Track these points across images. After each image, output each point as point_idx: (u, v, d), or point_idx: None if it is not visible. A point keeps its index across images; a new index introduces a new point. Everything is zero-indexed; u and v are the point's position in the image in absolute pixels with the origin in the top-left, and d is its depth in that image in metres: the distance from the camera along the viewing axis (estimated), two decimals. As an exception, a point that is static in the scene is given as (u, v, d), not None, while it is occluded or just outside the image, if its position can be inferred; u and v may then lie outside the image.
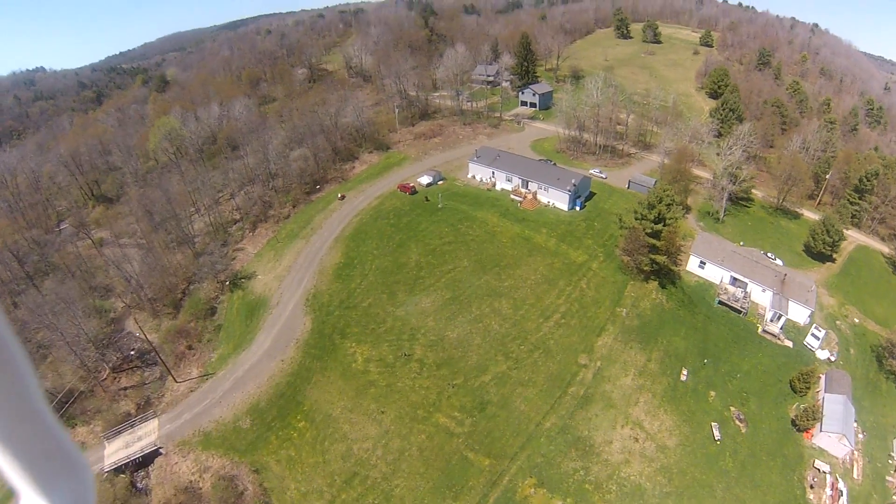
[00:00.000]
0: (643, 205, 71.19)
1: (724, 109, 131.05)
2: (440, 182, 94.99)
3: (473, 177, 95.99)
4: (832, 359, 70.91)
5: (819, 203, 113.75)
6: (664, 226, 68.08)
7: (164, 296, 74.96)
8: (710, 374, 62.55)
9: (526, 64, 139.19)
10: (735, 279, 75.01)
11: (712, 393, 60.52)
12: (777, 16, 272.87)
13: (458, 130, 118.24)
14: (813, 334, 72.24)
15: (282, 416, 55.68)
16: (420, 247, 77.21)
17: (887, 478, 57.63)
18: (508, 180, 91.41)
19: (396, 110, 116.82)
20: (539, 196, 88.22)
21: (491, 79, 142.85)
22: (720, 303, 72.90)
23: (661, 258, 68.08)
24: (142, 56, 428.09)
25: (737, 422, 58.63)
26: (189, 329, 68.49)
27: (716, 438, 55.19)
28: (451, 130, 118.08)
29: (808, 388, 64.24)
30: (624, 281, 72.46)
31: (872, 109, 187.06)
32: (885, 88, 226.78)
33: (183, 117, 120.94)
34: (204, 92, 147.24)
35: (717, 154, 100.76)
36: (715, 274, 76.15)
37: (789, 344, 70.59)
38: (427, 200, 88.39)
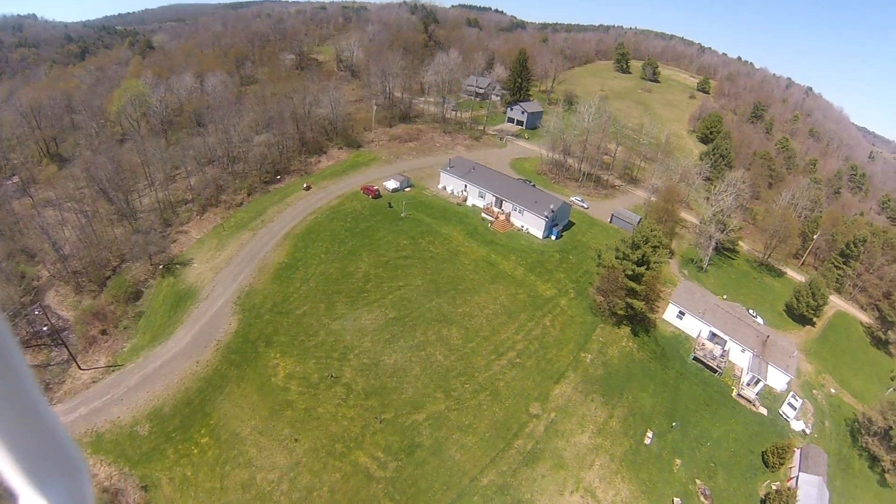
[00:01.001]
0: (626, 243, 65.01)
1: (714, 154, 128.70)
2: (407, 189, 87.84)
3: (444, 188, 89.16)
4: (807, 431, 66.24)
5: (803, 263, 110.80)
6: (647, 269, 61.86)
7: (91, 271, 69.10)
8: (677, 439, 55.75)
9: (520, 80, 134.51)
10: (714, 335, 69.11)
11: (678, 461, 53.69)
12: (774, 74, 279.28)
13: (437, 138, 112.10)
14: (789, 403, 67.17)
15: (185, 427, 48.31)
16: (372, 257, 69.45)
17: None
18: (481, 196, 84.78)
19: (375, 107, 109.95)
20: (512, 218, 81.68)
21: (481, 91, 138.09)
22: (695, 359, 66.72)
23: (638, 303, 61.72)
24: (139, 21, 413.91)
25: (702, 498, 51.94)
26: (107, 312, 62.32)
27: (678, 517, 48.27)
28: (430, 137, 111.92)
29: (782, 464, 58.20)
30: (593, 323, 65.79)
31: (856, 175, 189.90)
32: (870, 157, 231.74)
33: (154, 83, 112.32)
34: (186, 63, 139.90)
35: (707, 199, 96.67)
36: (693, 326, 70.18)
37: (764, 411, 64.89)
38: (390, 207, 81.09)
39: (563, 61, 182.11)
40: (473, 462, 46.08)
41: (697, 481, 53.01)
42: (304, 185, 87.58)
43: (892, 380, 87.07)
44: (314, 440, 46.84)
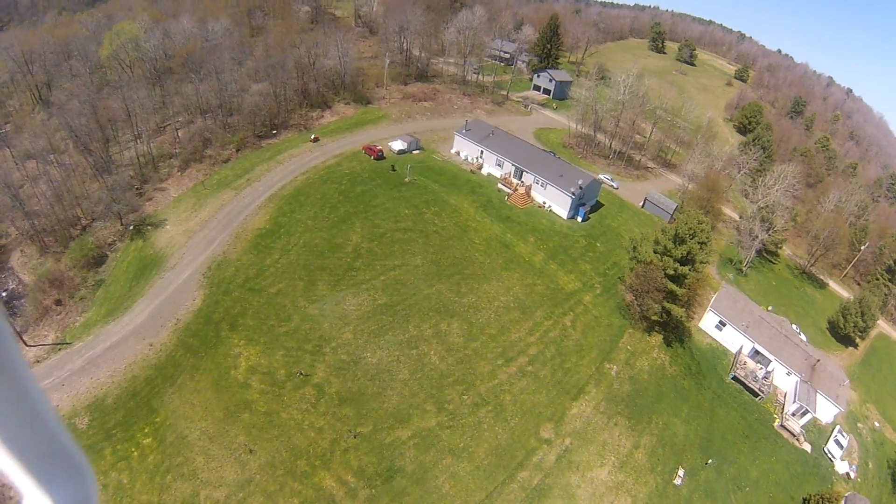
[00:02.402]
0: (667, 235, 54.17)
1: (755, 146, 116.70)
2: (416, 151, 76.73)
3: (458, 153, 77.91)
4: (852, 475, 56.99)
5: (844, 276, 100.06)
6: (691, 270, 51.17)
7: (58, 230, 61.46)
8: (711, 479, 46.20)
9: (549, 46, 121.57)
10: (757, 352, 58.96)
11: (710, 507, 44.19)
12: (815, 71, 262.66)
13: (455, 99, 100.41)
14: (836, 440, 57.73)
15: (127, 424, 39.87)
16: (366, 227, 58.94)
17: None
18: (499, 165, 73.57)
19: (387, 60, 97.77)
20: (533, 192, 70.71)
21: (507, 55, 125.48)
22: (734, 378, 56.77)
23: (677, 310, 51.36)
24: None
25: None
26: (65, 278, 54.38)
27: (707, 579, 39.07)
28: (447, 98, 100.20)
29: None
30: (621, 327, 55.61)
31: (894, 184, 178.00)
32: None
33: (150, 26, 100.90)
34: (193, 8, 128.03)
35: (746, 194, 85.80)
36: (734, 340, 60.02)
37: (808, 448, 55.32)
38: (393, 170, 70.23)
39: (595, 33, 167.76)
40: (465, 497, 36.42)
41: None
42: (312, 137, 78.63)
43: (936, 414, 78.73)
44: (272, 453, 37.32)
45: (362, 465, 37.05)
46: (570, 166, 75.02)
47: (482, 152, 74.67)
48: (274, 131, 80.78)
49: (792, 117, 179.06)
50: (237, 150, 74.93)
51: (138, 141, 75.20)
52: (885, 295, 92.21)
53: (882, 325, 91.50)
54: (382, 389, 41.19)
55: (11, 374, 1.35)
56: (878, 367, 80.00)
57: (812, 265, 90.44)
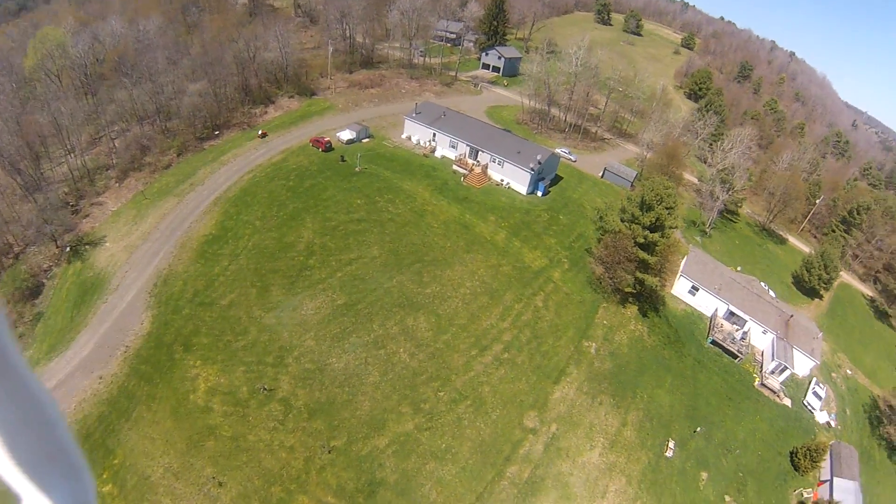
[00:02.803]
0: (633, 202, 53.10)
1: (707, 111, 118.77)
2: (365, 140, 73.41)
3: (409, 137, 75.03)
4: (832, 424, 58.45)
5: (801, 230, 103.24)
6: (661, 236, 50.23)
7: None
8: (701, 447, 45.72)
9: (496, 23, 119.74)
10: (732, 314, 59.08)
11: (704, 475, 43.82)
12: (758, 36, 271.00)
13: (403, 83, 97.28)
14: (814, 392, 58.94)
15: None
16: (318, 222, 55.49)
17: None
18: (453, 146, 71.19)
19: (330, 49, 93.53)
20: (490, 171, 68.84)
21: (453, 35, 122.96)
22: (713, 342, 56.67)
23: (651, 279, 50.41)
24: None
25: None
26: None
27: (708, 548, 38.49)
28: (394, 83, 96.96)
29: (815, 468, 49.71)
30: (594, 302, 54.41)
31: (840, 142, 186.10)
32: (853, 125, 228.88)
33: (76, 30, 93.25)
34: (123, 9, 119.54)
35: (708, 157, 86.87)
36: (708, 304, 60.02)
37: (788, 403, 56.11)
38: (343, 161, 66.89)
39: (541, 7, 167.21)
40: (454, 502, 34.09)
41: (727, 497, 43.59)
42: (260, 132, 75.15)
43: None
44: (243, 482, 33.86)
45: (341, 483, 34.14)
46: (527, 142, 73.37)
47: (434, 135, 72.08)
48: (216, 132, 76.27)
49: (740, 82, 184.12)
50: (178, 155, 70.43)
51: (71, 155, 69.15)
52: (843, 246, 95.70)
53: (843, 275, 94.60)
54: (353, 396, 38.26)
55: (12, 373, 1.35)
56: (844, 316, 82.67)
57: (771, 221, 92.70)
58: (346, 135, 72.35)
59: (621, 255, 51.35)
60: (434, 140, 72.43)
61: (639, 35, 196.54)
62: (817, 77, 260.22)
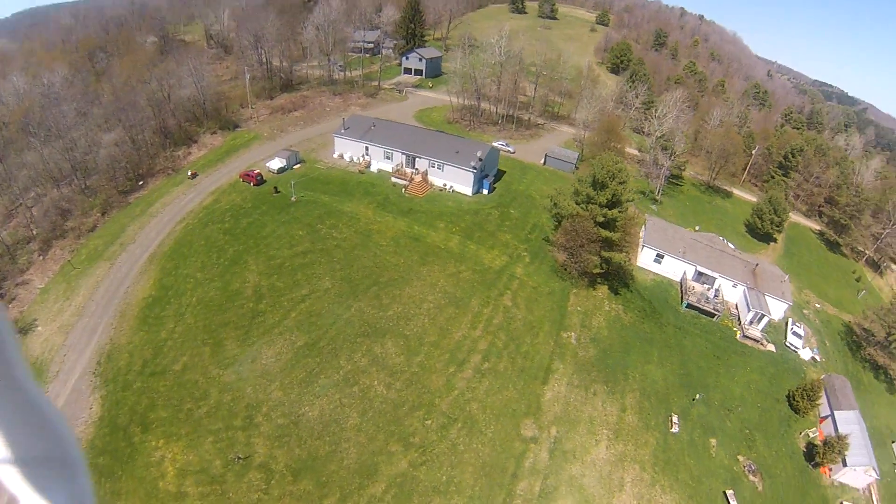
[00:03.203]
0: (585, 183, 52.35)
1: (633, 81, 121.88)
2: (296, 166, 70.04)
3: (341, 156, 72.10)
4: (817, 358, 60.14)
5: (743, 181, 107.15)
6: (620, 212, 49.63)
7: None
8: (703, 414, 45.10)
9: (413, 25, 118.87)
10: (701, 274, 59.37)
11: (713, 441, 43.30)
12: (667, 5, 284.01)
13: (326, 102, 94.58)
14: (793, 332, 60.71)
15: None
16: (261, 262, 51.65)
17: (901, 492, 48.00)
18: (388, 157, 68.92)
19: (247, 76, 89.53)
20: (431, 177, 67.07)
21: (370, 45, 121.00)
22: (689, 306, 56.65)
23: (618, 256, 49.66)
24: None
25: (750, 477, 42.51)
26: None
27: (734, 512, 38.05)
28: (318, 102, 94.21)
29: (813, 406, 50.91)
30: (563, 290, 53.15)
31: (759, 92, 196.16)
32: (768, 75, 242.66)
33: None
34: (26, 65, 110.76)
35: (645, 126, 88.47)
36: (675, 269, 60.15)
37: (772, 348, 57.01)
38: (277, 192, 63.33)
39: (456, 4, 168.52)
40: (467, 537, 31.45)
41: (739, 458, 43.50)
42: (189, 174, 71.02)
43: (858, 280, 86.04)
44: None
45: (339, 544, 30.80)
46: (464, 141, 72.15)
47: (367, 148, 69.59)
48: (140, 182, 70.93)
49: (657, 50, 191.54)
50: (102, 214, 64.87)
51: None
52: (785, 189, 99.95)
53: (790, 216, 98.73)
54: (336, 445, 34.86)
55: (10, 373, 1.35)
56: (800, 254, 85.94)
57: (714, 178, 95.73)
58: (275, 164, 68.78)
59: (583, 238, 50.37)
60: (367, 154, 69.89)
61: (554, 19, 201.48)
62: (728, 35, 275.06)
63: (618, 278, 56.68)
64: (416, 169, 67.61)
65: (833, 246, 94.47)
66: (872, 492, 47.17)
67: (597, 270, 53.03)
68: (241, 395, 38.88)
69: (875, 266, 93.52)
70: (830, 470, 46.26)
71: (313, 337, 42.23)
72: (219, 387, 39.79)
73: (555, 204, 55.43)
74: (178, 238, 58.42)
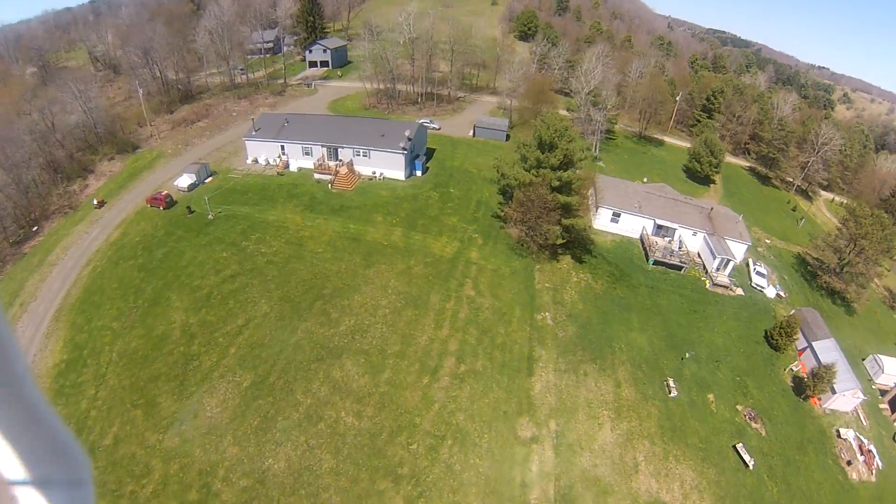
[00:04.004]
0: (531, 146, 49.15)
1: (545, 43, 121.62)
2: (208, 179, 62.70)
3: (255, 160, 65.32)
4: (782, 294, 61.05)
5: (670, 129, 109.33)
6: (574, 172, 46.84)
7: None
8: (696, 371, 43.69)
9: (311, 18, 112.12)
10: (660, 227, 58.27)
11: (710, 397, 41.99)
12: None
13: (231, 107, 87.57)
14: (757, 272, 61.46)
15: None
16: (186, 297, 44.69)
17: (880, 406, 51.85)
18: (307, 154, 63.07)
19: (141, 93, 79.84)
20: (357, 167, 62.10)
21: (270, 44, 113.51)
22: (655, 262, 55.33)
23: (581, 221, 46.99)
24: None
25: (752, 424, 42.07)
26: None
27: (747, 463, 37.21)
28: (222, 108, 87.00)
29: (792, 341, 51.46)
30: (526, 268, 50.05)
31: (663, 44, 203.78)
32: (669, 27, 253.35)
33: None
34: None
35: (572, 84, 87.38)
36: (633, 226, 58.83)
37: (741, 292, 57.08)
38: (191, 212, 55.94)
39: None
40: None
41: (738, 408, 42.91)
42: (95, 202, 63.48)
43: (794, 210, 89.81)
44: None
45: None
46: (389, 122, 67.91)
47: (283, 147, 63.35)
48: (34, 228, 60.99)
49: (560, 15, 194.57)
50: None
51: None
52: (713, 129, 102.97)
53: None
54: (315, 497, 29.54)
55: (9, 373, 1.36)
56: (739, 193, 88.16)
57: (645, 129, 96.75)
58: (184, 181, 61.04)
59: (540, 208, 47.36)
60: (284, 153, 63.61)
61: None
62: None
63: (579, 245, 54.33)
64: (340, 160, 62.18)
65: (764, 180, 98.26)
66: (859, 412, 48.45)
67: (559, 241, 50.25)
68: (191, 461, 32.50)
69: (804, 194, 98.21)
70: (820, 399, 47.03)
71: (260, 373, 36.31)
72: (161, 456, 33.13)
73: (502, 175, 52.04)
74: (87, 285, 49.69)
